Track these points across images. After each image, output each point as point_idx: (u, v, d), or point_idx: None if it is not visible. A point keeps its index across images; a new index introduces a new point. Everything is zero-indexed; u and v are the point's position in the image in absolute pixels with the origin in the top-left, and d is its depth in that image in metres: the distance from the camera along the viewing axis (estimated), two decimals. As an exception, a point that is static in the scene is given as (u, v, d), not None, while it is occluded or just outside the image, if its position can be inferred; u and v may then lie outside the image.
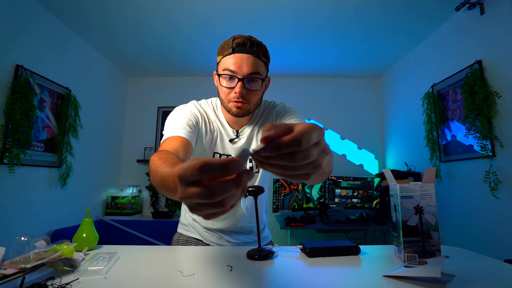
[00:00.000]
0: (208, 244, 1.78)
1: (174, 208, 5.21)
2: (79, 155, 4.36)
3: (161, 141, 1.41)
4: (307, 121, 5.33)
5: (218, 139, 1.63)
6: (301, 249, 1.67)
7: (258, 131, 1.65)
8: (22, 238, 1.36)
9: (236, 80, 1.40)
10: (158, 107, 5.85)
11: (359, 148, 5.74)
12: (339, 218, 4.85)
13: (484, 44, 3.35)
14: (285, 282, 1.24)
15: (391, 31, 4.18)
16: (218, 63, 1.49)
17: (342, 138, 5.76)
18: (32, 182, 3.57)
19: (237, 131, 1.64)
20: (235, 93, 1.41)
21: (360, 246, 1.64)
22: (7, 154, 3.10)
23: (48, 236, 1.50)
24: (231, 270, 1.32)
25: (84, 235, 1.64)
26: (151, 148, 5.63)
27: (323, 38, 4.41)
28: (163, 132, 1.46)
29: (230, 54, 1.40)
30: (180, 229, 1.92)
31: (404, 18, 3.85)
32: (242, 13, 3.78)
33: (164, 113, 5.80)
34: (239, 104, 1.44)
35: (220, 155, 1.62)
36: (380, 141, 5.79)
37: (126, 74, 5.85)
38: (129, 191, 5.18)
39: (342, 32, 4.23)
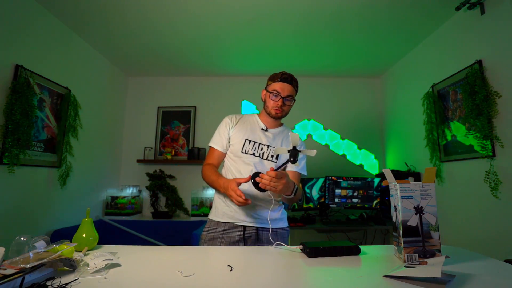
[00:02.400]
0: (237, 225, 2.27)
1: (173, 208, 5.22)
2: (79, 155, 4.35)
3: (208, 145, 2.46)
4: (306, 121, 5.44)
5: (252, 129, 2.41)
6: (301, 249, 1.67)
7: (282, 135, 2.45)
8: (22, 238, 1.36)
9: (279, 97, 2.27)
10: (158, 107, 5.83)
11: (359, 148, 5.73)
12: (339, 218, 4.85)
13: (485, 44, 3.34)
14: (285, 282, 1.24)
15: (392, 31, 4.17)
16: (268, 85, 2.36)
17: (342, 138, 5.75)
18: (32, 182, 3.56)
19: (267, 127, 2.43)
20: (277, 105, 2.28)
21: (360, 246, 1.64)
22: (6, 154, 3.09)
23: (47, 236, 1.50)
24: (231, 271, 1.32)
25: (84, 235, 1.64)
26: (151, 148, 5.62)
27: (323, 37, 4.39)
28: (211, 140, 2.46)
29: (279, 81, 2.28)
30: (213, 217, 2.38)
31: (405, 17, 3.84)
32: (242, 12, 3.77)
33: (164, 113, 5.80)
34: (278, 111, 2.31)
35: (250, 141, 2.34)
36: (380, 141, 5.78)
37: (126, 73, 5.84)
38: (129, 191, 5.17)
39: (343, 31, 4.22)
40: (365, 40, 4.44)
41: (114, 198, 5.07)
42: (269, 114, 2.37)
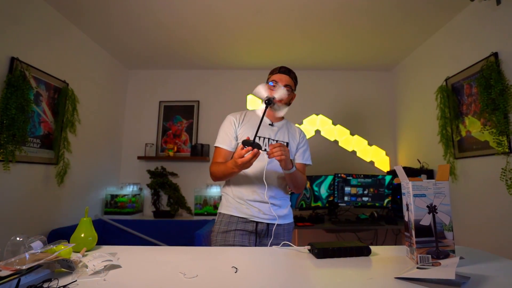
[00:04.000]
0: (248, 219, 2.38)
1: (176, 207, 5.22)
2: (77, 151, 4.36)
3: (214, 145, 2.49)
4: (315, 116, 5.48)
5: (257, 124, 2.26)
6: (309, 250, 1.67)
7: (286, 128, 2.61)
8: (18, 238, 1.36)
9: (277, 86, 2.39)
10: (160, 102, 5.83)
11: (370, 144, 5.71)
12: (348, 218, 4.83)
13: (500, 36, 3.30)
14: (293, 284, 1.24)
15: (403, 22, 4.13)
16: (268, 78, 2.52)
17: (352, 134, 5.73)
18: (28, 179, 3.57)
19: (272, 122, 2.55)
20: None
21: (371, 247, 1.63)
22: (1, 150, 3.10)
23: (44, 236, 1.50)
24: (236, 272, 1.32)
25: (83, 235, 1.64)
26: (152, 144, 5.62)
27: (332, 29, 4.37)
28: (216, 140, 2.50)
29: (277, 73, 2.49)
30: (225, 211, 2.46)
31: (417, 8, 3.81)
32: (249, 2, 3.76)
33: (165, 108, 5.80)
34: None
35: (259, 137, 2.42)
36: (392, 137, 5.76)
37: (126, 67, 5.84)
38: (129, 189, 5.19)
39: (352, 23, 4.19)
40: (375, 31, 4.41)
41: (113, 196, 5.08)
42: None
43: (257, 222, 2.34)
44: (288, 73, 2.51)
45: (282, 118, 2.66)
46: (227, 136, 2.46)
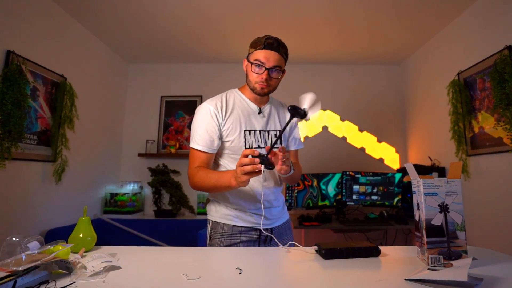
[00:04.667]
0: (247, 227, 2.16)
1: (178, 206, 5.22)
2: (76, 148, 4.36)
3: (190, 146, 2.08)
4: (322, 112, 5.43)
5: (245, 115, 2.14)
6: (316, 250, 1.66)
7: (276, 111, 2.28)
8: (14, 239, 1.36)
9: (264, 69, 1.99)
10: (161, 97, 5.84)
11: (379, 141, 5.71)
12: (357, 217, 4.82)
13: (515, 28, 3.30)
14: (299, 287, 1.24)
15: (414, 14, 4.10)
16: (250, 53, 2.07)
17: (361, 130, 5.72)
18: (25, 177, 3.58)
19: (260, 108, 2.20)
20: (262, 78, 2.00)
21: (380, 247, 1.63)
22: (-3, 147, 3.11)
23: (41, 236, 1.50)
24: (240, 274, 1.32)
25: (81, 235, 1.64)
26: (154, 141, 5.64)
27: (339, 21, 4.35)
28: (191, 134, 2.11)
29: (262, 49, 1.99)
30: (224, 221, 2.18)
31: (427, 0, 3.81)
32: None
33: (167, 103, 5.81)
34: (264, 86, 2.03)
35: (249, 131, 2.12)
36: (402, 134, 5.75)
37: (126, 60, 5.84)
38: (130, 188, 5.20)
39: (360, 15, 4.17)
40: (384, 24, 4.39)
41: (113, 195, 5.10)
42: (252, 89, 2.10)
43: (260, 230, 2.10)
44: (277, 48, 2.01)
45: (268, 97, 2.30)
46: (208, 134, 2.04)
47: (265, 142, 2.14)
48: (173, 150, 5.45)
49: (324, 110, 5.74)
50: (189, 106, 5.76)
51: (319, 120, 5.71)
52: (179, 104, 5.79)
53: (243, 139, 2.08)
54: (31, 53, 3.59)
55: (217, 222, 2.16)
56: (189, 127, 5.41)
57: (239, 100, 2.18)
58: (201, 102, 5.52)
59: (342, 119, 5.75)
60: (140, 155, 5.57)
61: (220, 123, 2.06)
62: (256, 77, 2.03)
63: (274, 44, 2.00)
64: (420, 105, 5.23)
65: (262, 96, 2.15)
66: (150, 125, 5.79)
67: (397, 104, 5.83)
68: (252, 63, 2.03)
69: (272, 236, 2.13)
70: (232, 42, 5.04)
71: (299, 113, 1.79)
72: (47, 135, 3.86)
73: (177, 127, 5.72)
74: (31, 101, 3.59)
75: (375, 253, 1.60)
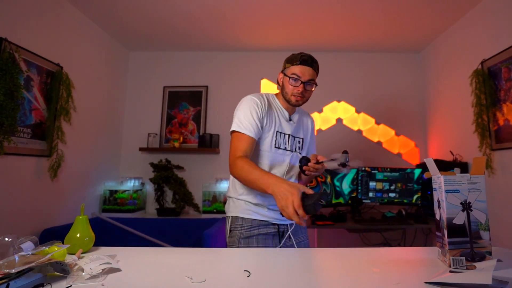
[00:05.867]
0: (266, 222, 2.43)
1: (182, 204, 5.24)
2: (72, 142, 4.38)
3: (232, 130, 2.28)
4: (336, 103, 5.54)
5: (279, 118, 2.46)
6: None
7: (301, 120, 2.63)
8: (6, 239, 1.36)
9: (300, 82, 2.30)
10: (164, 87, 5.84)
11: (397, 134, 5.68)
12: (373, 216, 4.77)
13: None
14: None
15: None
16: (286, 68, 2.39)
17: (377, 123, 5.70)
18: (18, 173, 3.60)
19: (290, 115, 2.51)
20: (298, 90, 2.31)
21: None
22: (-11, 141, 3.12)
23: (36, 236, 1.50)
24: (248, 276, 1.32)
25: (78, 235, 1.65)
26: (156, 134, 5.63)
27: (354, 6, 4.30)
28: (235, 120, 2.30)
29: (298, 64, 2.31)
30: (244, 215, 2.44)
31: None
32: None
33: (170, 94, 5.81)
34: (299, 99, 2.35)
35: (280, 133, 2.43)
36: (422, 126, 5.71)
37: (126, 48, 5.85)
38: (130, 184, 5.23)
39: (378, -2, 4.16)
40: (403, 8, 4.33)
41: (113, 192, 5.13)
42: (288, 101, 2.42)
43: (278, 225, 2.42)
44: (311, 64, 2.35)
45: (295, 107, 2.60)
46: (255, 121, 2.26)
47: (291, 146, 2.48)
48: (176, 144, 5.45)
49: (339, 101, 5.73)
50: (194, 97, 5.76)
51: (333, 112, 5.69)
52: (183, 95, 5.78)
53: (274, 139, 2.41)
54: (25, 41, 3.59)
55: (237, 216, 2.41)
56: (194, 119, 5.53)
57: (276, 105, 2.50)
58: (206, 93, 5.66)
59: (358, 111, 5.73)
60: (141, 149, 5.57)
61: (263, 116, 2.35)
62: (293, 89, 2.34)
63: (309, 61, 2.33)
64: (441, 96, 5.19)
65: (295, 106, 2.47)
66: (152, 117, 5.79)
67: (416, 95, 5.79)
68: (289, 77, 2.34)
69: (290, 235, 2.45)
70: (241, 28, 5.02)
71: (343, 164, 2.25)
72: (42, 128, 3.87)
73: (181, 120, 5.72)
74: (25, 91, 3.59)
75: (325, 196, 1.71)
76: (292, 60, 2.38)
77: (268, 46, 5.64)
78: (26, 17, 3.63)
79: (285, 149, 2.43)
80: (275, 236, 2.40)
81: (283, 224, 2.44)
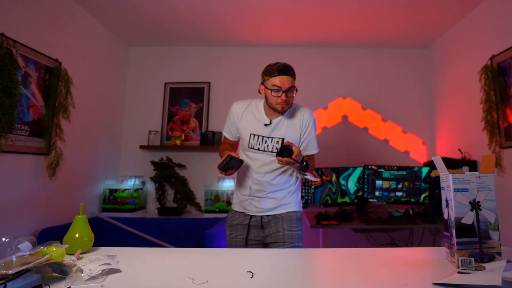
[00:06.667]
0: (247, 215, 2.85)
1: (183, 203, 5.24)
2: (71, 140, 4.38)
3: (223, 133, 2.96)
4: (341, 100, 5.43)
5: (256, 122, 2.76)
6: None
7: (284, 121, 2.77)
8: (3, 239, 1.36)
9: (281, 91, 2.54)
10: (165, 83, 5.84)
11: (405, 131, 5.67)
12: (380, 215, 4.75)
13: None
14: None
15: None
16: (266, 80, 2.63)
17: (384, 120, 5.69)
18: (15, 172, 3.60)
19: (271, 120, 2.74)
20: (282, 99, 2.56)
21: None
22: (-14, 139, 3.12)
23: (34, 236, 1.50)
24: (251, 277, 1.31)
25: (77, 235, 1.65)
26: (157, 132, 5.64)
27: (360, 1, 4.28)
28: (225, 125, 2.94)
29: (276, 76, 2.54)
30: (232, 206, 2.98)
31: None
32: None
33: (172, 90, 5.80)
34: (284, 105, 2.60)
35: (255, 135, 2.74)
36: (429, 124, 5.70)
37: (127, 43, 5.85)
38: (131, 183, 5.22)
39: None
40: (410, 3, 4.32)
41: (112, 191, 5.13)
42: (274, 110, 2.68)
43: (251, 216, 2.79)
44: (288, 72, 2.59)
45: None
46: (232, 126, 2.86)
47: (267, 146, 2.73)
48: (178, 142, 5.45)
49: (344, 97, 5.71)
50: (195, 94, 5.76)
51: (338, 109, 5.68)
52: (185, 91, 5.78)
53: (248, 140, 2.76)
54: (23, 36, 3.59)
55: (231, 208, 2.96)
56: (196, 116, 5.57)
57: (257, 110, 2.81)
58: (208, 89, 5.68)
59: (364, 108, 5.72)
60: (142, 147, 5.59)
61: (237, 122, 2.81)
62: (276, 99, 2.59)
63: (285, 69, 2.57)
64: (449, 92, 5.19)
65: (283, 113, 2.75)
66: (153, 114, 5.79)
67: (424, 91, 5.78)
68: (270, 89, 2.59)
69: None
70: (244, 24, 5.01)
71: (281, 154, 2.45)
72: (40, 125, 3.87)
73: (183, 117, 5.72)
74: (22, 88, 3.59)
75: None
76: (270, 72, 2.63)
77: (272, 42, 5.63)
78: (23, 11, 3.62)
79: (258, 149, 2.73)
80: (251, 227, 2.77)
81: (255, 216, 2.77)
